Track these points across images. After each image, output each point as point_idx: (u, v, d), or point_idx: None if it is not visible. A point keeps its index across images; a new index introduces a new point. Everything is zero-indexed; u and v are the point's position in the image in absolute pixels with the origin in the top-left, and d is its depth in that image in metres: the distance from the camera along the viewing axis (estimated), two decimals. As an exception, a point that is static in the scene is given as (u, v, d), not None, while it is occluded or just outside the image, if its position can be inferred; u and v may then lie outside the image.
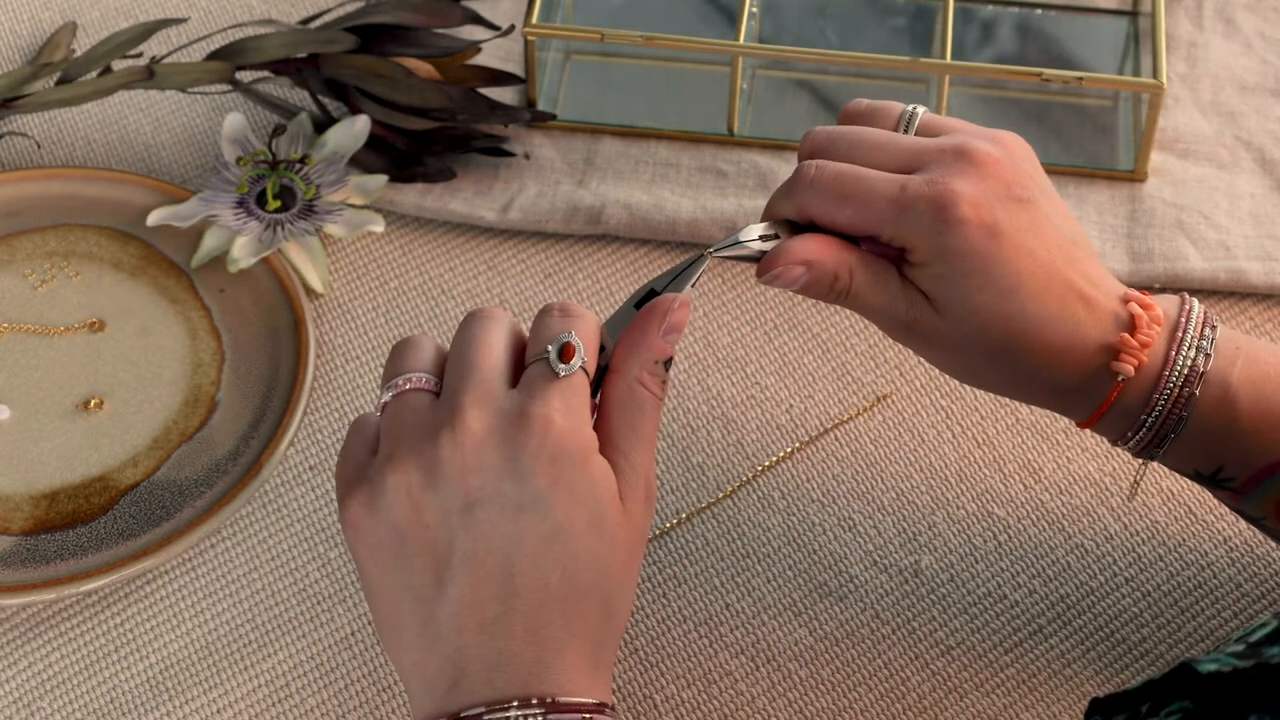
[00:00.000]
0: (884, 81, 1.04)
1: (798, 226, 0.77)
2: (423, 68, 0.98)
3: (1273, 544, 0.87)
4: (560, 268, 0.98)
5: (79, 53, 1.05)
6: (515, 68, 1.05)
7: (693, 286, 0.75)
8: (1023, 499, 0.89)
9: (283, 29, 1.00)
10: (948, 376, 0.86)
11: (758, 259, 0.76)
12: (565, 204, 0.99)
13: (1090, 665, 0.84)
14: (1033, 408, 0.91)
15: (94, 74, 1.00)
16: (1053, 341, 0.74)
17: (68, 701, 0.83)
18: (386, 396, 0.73)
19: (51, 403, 0.92)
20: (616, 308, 0.78)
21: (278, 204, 0.96)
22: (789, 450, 0.91)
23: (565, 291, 0.97)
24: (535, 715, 0.67)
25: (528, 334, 0.74)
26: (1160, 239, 0.97)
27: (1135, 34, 1.05)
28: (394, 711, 0.83)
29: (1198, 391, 0.75)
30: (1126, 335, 0.75)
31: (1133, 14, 1.06)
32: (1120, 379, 0.75)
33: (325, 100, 1.02)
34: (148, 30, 1.01)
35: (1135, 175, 1.00)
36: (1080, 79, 0.98)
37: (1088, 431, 0.85)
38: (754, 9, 1.02)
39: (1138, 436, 0.77)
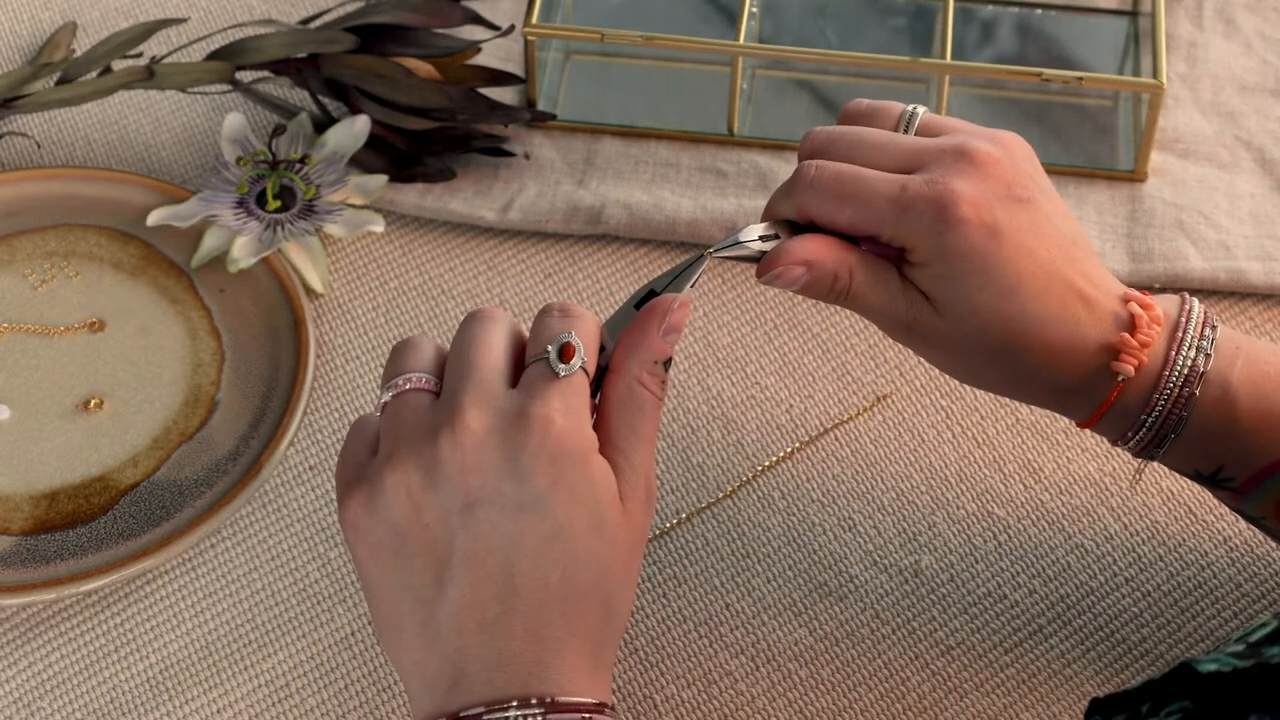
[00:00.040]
0: (884, 81, 1.04)
1: (798, 227, 0.77)
2: (423, 68, 0.98)
3: (1273, 544, 0.87)
4: (560, 268, 0.98)
5: (79, 53, 1.05)
6: (515, 68, 1.05)
7: (692, 287, 0.75)
8: (1023, 499, 0.89)
9: (283, 29, 1.00)
10: (948, 376, 0.86)
11: (758, 259, 0.76)
12: (565, 204, 0.99)
13: (1090, 665, 0.84)
14: (1033, 408, 0.91)
15: (94, 74, 0.99)
16: (1053, 341, 0.74)
17: (68, 701, 0.83)
18: (386, 396, 0.73)
19: (51, 403, 0.92)
20: (616, 308, 0.78)
21: (278, 204, 0.96)
22: (789, 450, 0.91)
23: (565, 291, 0.97)
24: (535, 715, 0.67)
25: (528, 334, 0.74)
26: (1160, 239, 0.97)
27: (1135, 34, 1.05)
28: (394, 711, 0.83)
29: (1198, 391, 0.75)
30: (1126, 335, 0.75)
31: (1133, 14, 1.06)
32: (1120, 379, 0.75)
33: (325, 100, 1.02)
34: (148, 30, 1.01)
35: (1135, 175, 1.00)
36: (1080, 79, 0.98)
37: (1088, 431, 0.85)
38: (754, 9, 1.02)
39: (1138, 436, 0.76)
